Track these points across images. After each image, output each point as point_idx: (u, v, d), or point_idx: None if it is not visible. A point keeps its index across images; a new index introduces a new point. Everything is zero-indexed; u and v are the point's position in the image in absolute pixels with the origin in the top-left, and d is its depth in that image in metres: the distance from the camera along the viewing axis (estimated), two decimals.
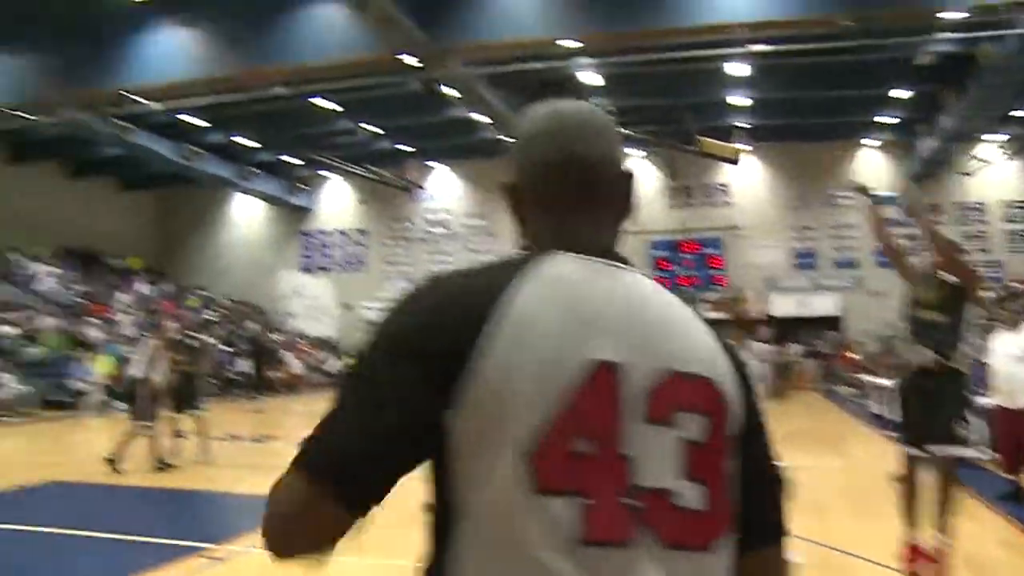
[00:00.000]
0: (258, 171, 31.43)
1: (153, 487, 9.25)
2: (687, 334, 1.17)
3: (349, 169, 30.37)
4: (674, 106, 21.59)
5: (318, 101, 22.87)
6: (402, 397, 1.08)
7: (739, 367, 1.21)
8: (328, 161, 29.77)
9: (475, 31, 17.38)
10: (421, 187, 33.32)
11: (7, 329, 22.29)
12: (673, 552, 1.08)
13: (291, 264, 35.82)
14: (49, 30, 18.28)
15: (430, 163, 33.00)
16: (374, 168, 30.14)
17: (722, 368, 1.18)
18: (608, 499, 1.06)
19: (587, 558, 1.04)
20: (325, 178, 34.83)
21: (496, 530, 1.06)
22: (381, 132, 27.83)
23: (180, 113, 23.10)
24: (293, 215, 35.37)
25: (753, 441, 1.21)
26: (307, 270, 35.64)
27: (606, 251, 1.21)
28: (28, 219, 28.98)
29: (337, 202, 35.49)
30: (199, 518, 8.04)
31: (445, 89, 20.30)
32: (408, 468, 1.11)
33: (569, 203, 1.24)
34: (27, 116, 21.01)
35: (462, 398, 1.06)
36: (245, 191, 33.36)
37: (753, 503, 1.19)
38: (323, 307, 34.88)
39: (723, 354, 1.19)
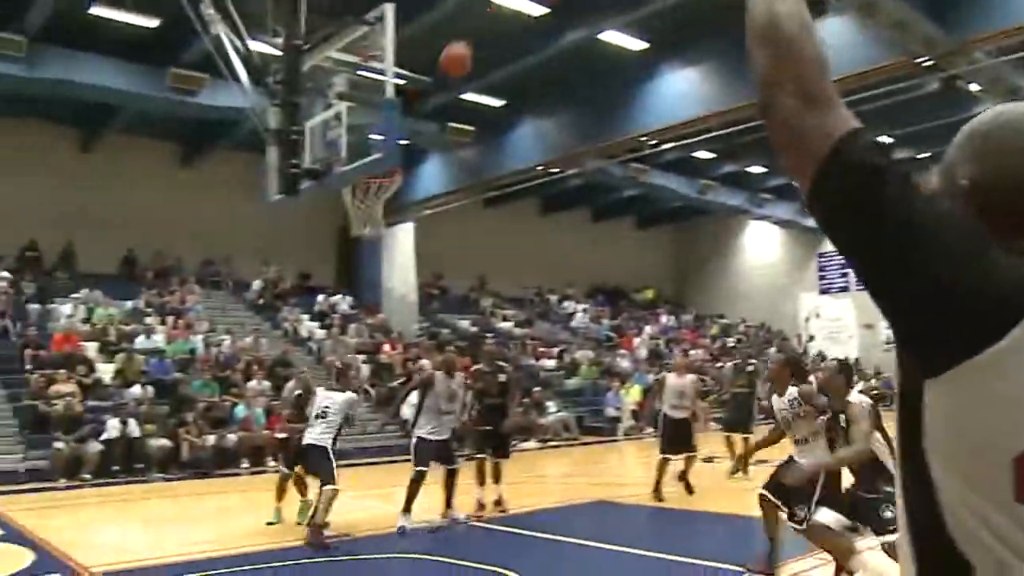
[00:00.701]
0: (770, 196, 31.69)
1: (690, 509, 9.94)
2: None
3: None
4: None
5: None
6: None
7: None
8: None
9: (993, 19, 15.90)
10: None
11: (548, 363, 25.31)
12: None
13: (809, 286, 35.53)
14: (571, 92, 20.50)
15: None
16: None
17: None
18: None
19: None
20: None
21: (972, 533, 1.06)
22: (890, 141, 26.49)
23: (692, 150, 24.26)
24: (808, 237, 34.95)
25: None
26: (826, 291, 35.05)
27: None
28: (560, 263, 32.53)
29: None
30: (737, 541, 8.35)
31: (967, 86, 18.79)
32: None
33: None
34: (556, 172, 23.66)
35: (958, 378, 1.06)
36: (758, 217, 33.85)
37: None
38: (844, 328, 34.11)
39: None
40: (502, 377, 10.19)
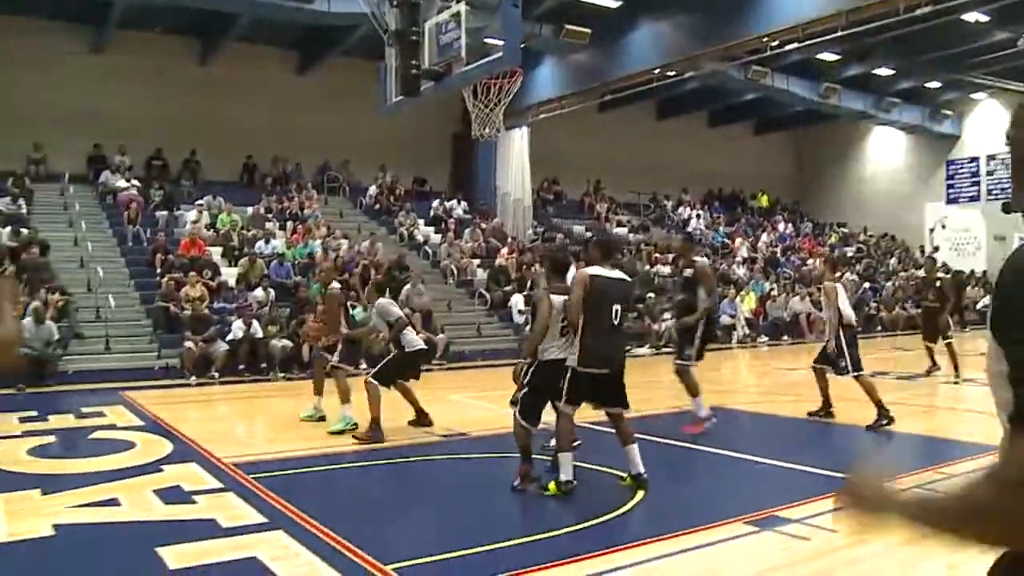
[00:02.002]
0: (897, 100, 30.08)
1: (802, 418, 9.74)
2: None
3: (1004, 87, 27.55)
4: None
5: (967, 16, 21.05)
6: None
7: None
8: (978, 81, 27.35)
9: None
10: None
11: (663, 269, 24.89)
12: None
13: (936, 195, 33.89)
14: None
15: None
16: None
17: None
18: None
19: None
20: (974, 101, 32.00)
21: None
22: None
23: (817, 51, 23.13)
24: (936, 143, 33.22)
25: None
26: (953, 201, 33.37)
27: None
28: (675, 168, 31.87)
29: (988, 125, 32.32)
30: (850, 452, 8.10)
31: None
32: None
33: None
34: (672, 75, 22.92)
35: None
36: (884, 123, 32.18)
37: None
38: (972, 240, 32.55)
39: None
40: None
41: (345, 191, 25.45)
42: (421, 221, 24.20)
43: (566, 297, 6.69)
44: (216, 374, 15.13)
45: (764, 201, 35.53)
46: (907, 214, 33.93)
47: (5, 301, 2.80)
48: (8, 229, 17.54)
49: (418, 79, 11.03)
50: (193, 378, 14.86)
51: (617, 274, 6.84)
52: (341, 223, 23.16)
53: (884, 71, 27.76)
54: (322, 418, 10.24)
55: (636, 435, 6.83)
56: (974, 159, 32.72)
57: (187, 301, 16.15)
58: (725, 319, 22.38)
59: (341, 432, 9.36)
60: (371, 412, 8.99)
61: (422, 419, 9.79)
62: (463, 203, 25.94)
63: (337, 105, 24.29)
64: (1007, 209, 1.59)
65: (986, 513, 1.28)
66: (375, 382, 9.16)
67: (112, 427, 10.08)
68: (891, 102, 29.93)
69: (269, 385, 14.85)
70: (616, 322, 6.66)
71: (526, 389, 6.82)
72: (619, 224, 28.42)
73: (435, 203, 25.33)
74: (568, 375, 6.60)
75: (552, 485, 6.60)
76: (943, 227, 33.50)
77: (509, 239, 24.20)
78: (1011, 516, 1.24)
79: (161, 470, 7.67)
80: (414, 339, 9.59)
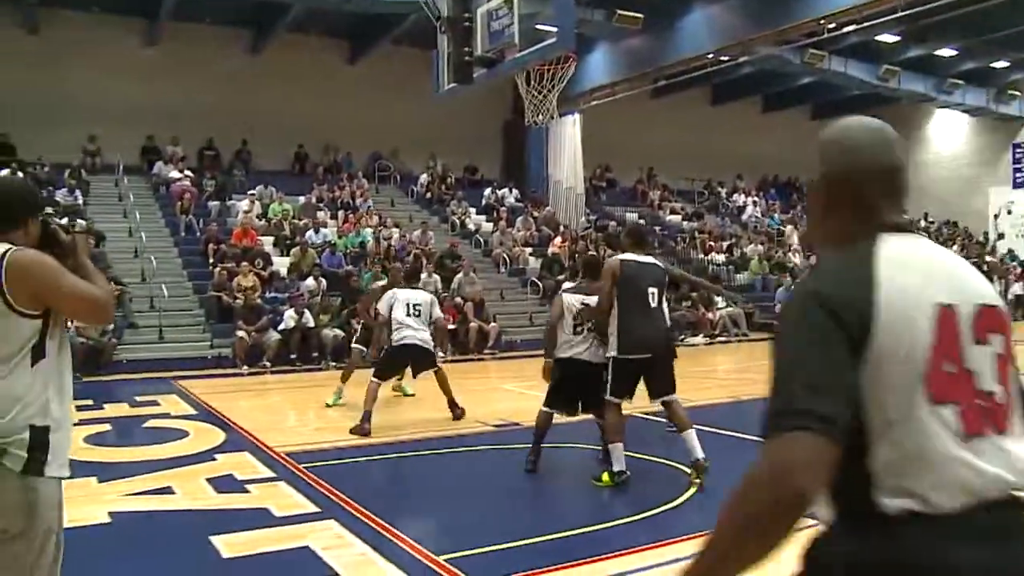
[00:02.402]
0: (960, 82, 29.29)
1: None
2: (976, 276, 1.66)
3: None
4: None
5: None
6: (840, 339, 1.50)
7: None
8: None
9: None
10: None
11: (718, 257, 24.64)
12: (998, 437, 1.54)
13: (1001, 180, 33.04)
14: None
15: None
16: None
17: (999, 298, 1.67)
18: (969, 403, 1.53)
19: (971, 446, 1.50)
20: None
21: (906, 436, 1.50)
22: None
23: (876, 33, 22.65)
24: (1002, 125, 32.34)
25: None
26: (1021, 185, 32.49)
27: (906, 229, 1.68)
28: (729, 154, 31.46)
29: None
30: None
31: None
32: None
33: (887, 197, 1.71)
34: (727, 60, 22.60)
35: (868, 340, 1.50)
36: (945, 105, 31.39)
37: None
38: None
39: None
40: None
41: (396, 180, 25.55)
42: (473, 210, 24.19)
43: (585, 297, 6.86)
44: (268, 363, 15.29)
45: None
46: (970, 199, 33.12)
47: (85, 257, 2.87)
48: (65, 220, 17.84)
49: (471, 66, 11.00)
50: (245, 367, 15.03)
51: (649, 259, 6.82)
52: (392, 212, 23.25)
53: (946, 51, 27.04)
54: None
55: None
56: None
57: (239, 291, 16.31)
58: (779, 307, 22.02)
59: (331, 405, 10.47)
60: (364, 405, 9.06)
61: (453, 410, 9.79)
62: (515, 191, 25.89)
63: (388, 94, 24.35)
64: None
65: (727, 533, 1.45)
66: (374, 378, 9.32)
67: (166, 416, 10.23)
68: (953, 83, 29.14)
69: (320, 374, 14.90)
70: (654, 304, 6.61)
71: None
72: (672, 211, 28.19)
73: (487, 191, 25.30)
74: (610, 365, 6.57)
75: (605, 476, 6.54)
76: (1008, 212, 32.64)
77: (561, 227, 24.10)
78: (742, 526, 1.43)
79: (214, 459, 7.75)
80: (400, 335, 9.46)
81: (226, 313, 16.23)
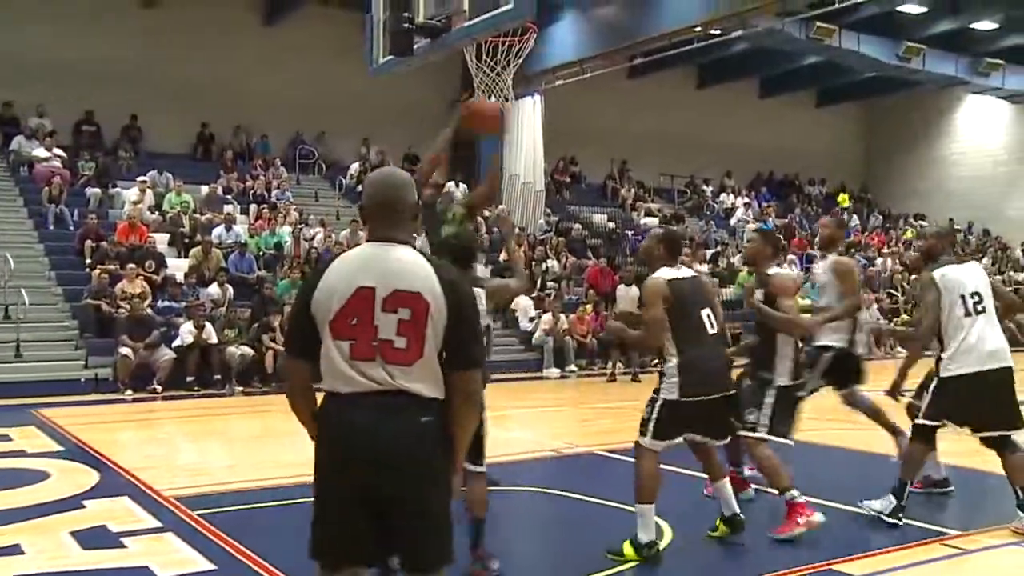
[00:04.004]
0: (999, 62, 29.49)
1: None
2: (409, 271, 3.24)
3: None
4: None
5: None
6: (302, 304, 3.35)
7: (449, 288, 3.24)
8: None
9: None
10: None
11: (700, 268, 24.63)
12: (391, 365, 3.20)
13: None
14: None
15: None
16: None
17: (432, 288, 3.21)
18: (364, 341, 3.20)
19: (355, 365, 3.20)
20: None
21: (326, 355, 3.25)
22: None
23: (898, 3, 22.89)
24: None
25: (454, 324, 3.22)
26: None
27: (389, 240, 3.33)
28: (718, 146, 31.79)
29: None
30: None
31: None
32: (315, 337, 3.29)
33: (379, 219, 3.38)
34: (718, 34, 22.72)
35: (311, 302, 3.29)
36: (980, 90, 31.72)
37: (451, 350, 3.26)
38: None
39: (438, 282, 3.23)
40: None
41: (321, 169, 25.38)
42: None
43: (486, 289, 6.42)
44: (159, 387, 15.06)
45: (844, 200, 35.13)
46: (1007, 204, 33.65)
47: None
48: None
49: (411, 35, 10.89)
50: (129, 392, 14.75)
51: (690, 272, 6.63)
52: (316, 207, 23.10)
53: (985, 24, 27.34)
54: None
55: (666, 467, 6.62)
56: None
57: (124, 298, 16.02)
58: None
59: None
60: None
61: None
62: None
63: (312, 65, 24.27)
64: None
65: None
66: None
67: (20, 454, 9.93)
68: (992, 64, 29.32)
69: (224, 401, 14.73)
70: (715, 331, 6.36)
71: None
72: (648, 213, 28.27)
73: None
74: (661, 405, 6.25)
75: (628, 548, 6.14)
76: None
77: (517, 229, 24.07)
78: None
79: (82, 506, 7.52)
80: None
81: (106, 326, 15.92)
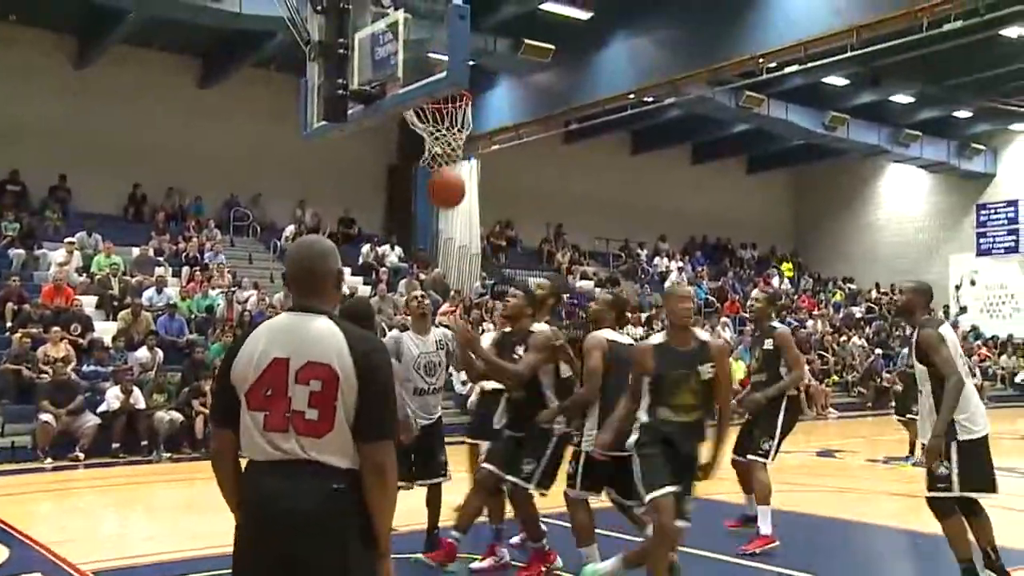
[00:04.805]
0: (918, 133, 30.42)
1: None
2: (322, 341, 3.22)
3: None
4: None
5: (1008, 32, 21.34)
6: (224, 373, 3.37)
7: (361, 359, 3.20)
8: (1019, 109, 27.88)
9: None
10: None
11: (635, 331, 24.58)
12: (302, 436, 3.17)
13: (964, 245, 34.41)
14: (673, 1, 19.84)
15: None
16: None
17: (342, 359, 3.18)
18: (277, 412, 3.19)
19: (267, 436, 3.20)
20: (1012, 133, 32.71)
21: (244, 424, 3.25)
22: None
23: (823, 75, 23.40)
24: (965, 184, 33.77)
25: (366, 393, 3.18)
26: (986, 252, 33.92)
27: (308, 310, 3.32)
28: (652, 211, 32.11)
29: None
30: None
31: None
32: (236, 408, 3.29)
33: (299, 288, 3.42)
34: (651, 101, 22.96)
35: (230, 374, 3.31)
36: (901, 159, 32.62)
37: (359, 422, 3.18)
38: (1009, 298, 32.97)
39: (349, 353, 3.19)
40: None
41: (256, 231, 25.10)
42: (348, 270, 23.85)
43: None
44: (81, 455, 14.57)
45: (788, 270, 35.46)
46: (928, 268, 34.24)
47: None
48: None
49: (345, 100, 10.78)
50: (49, 461, 14.23)
51: (628, 340, 7.01)
52: (250, 270, 22.79)
53: (903, 98, 28.15)
54: None
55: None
56: (1011, 202, 33.39)
57: (46, 363, 15.58)
58: None
59: None
60: None
61: None
62: (398, 249, 25.73)
63: (248, 126, 24.12)
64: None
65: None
66: None
67: None
68: (910, 135, 30.26)
69: (151, 468, 14.34)
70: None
71: None
72: (583, 276, 28.33)
73: (365, 248, 25.06)
74: (582, 459, 6.77)
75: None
76: (972, 283, 33.92)
77: (452, 292, 23.95)
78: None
79: None
80: None
81: (26, 391, 15.45)
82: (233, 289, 20.36)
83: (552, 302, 7.77)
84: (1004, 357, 30.54)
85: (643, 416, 6.08)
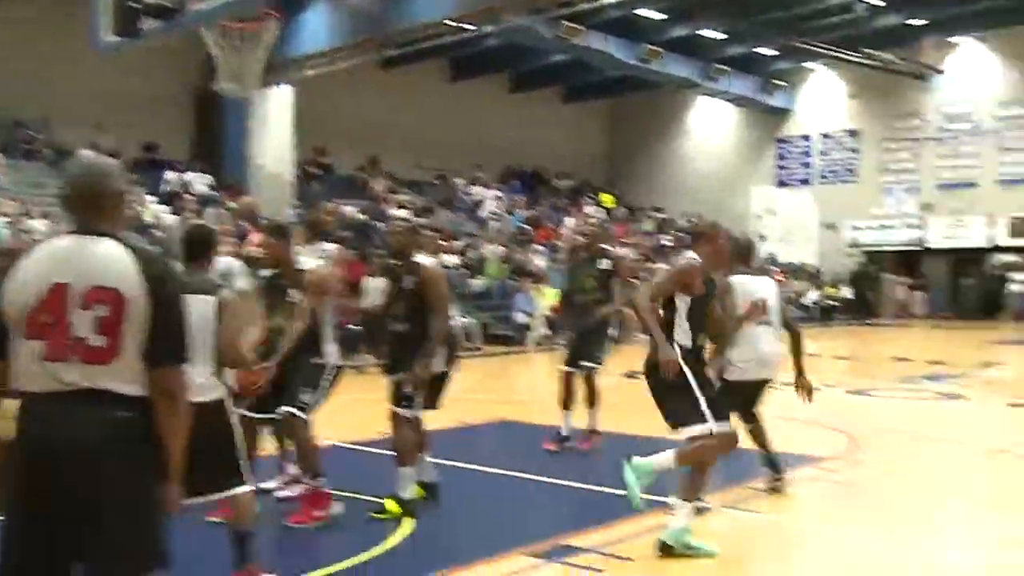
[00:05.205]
0: (727, 68, 31.10)
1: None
2: (108, 266, 3.05)
3: (841, 56, 29.13)
4: None
5: None
6: None
7: (152, 281, 3.07)
8: (815, 48, 28.72)
9: None
10: (938, 71, 30.95)
11: (450, 259, 24.38)
12: (87, 364, 3.01)
13: (764, 177, 35.56)
14: None
15: (952, 39, 30.38)
16: (874, 52, 28.54)
17: (131, 282, 3.04)
18: (58, 341, 3.01)
19: (45, 367, 3.02)
20: (808, 71, 33.80)
21: (18, 355, 3.08)
22: (883, 4, 26.17)
23: (637, 6, 23.45)
24: (767, 118, 34.77)
25: (157, 317, 3.06)
26: (783, 183, 35.19)
27: (91, 232, 3.13)
28: (469, 140, 31.80)
29: (823, 99, 34.25)
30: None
31: None
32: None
33: (81, 210, 3.20)
34: (470, 28, 22.54)
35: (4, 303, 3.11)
36: (710, 93, 33.32)
37: (150, 347, 3.07)
38: (802, 227, 34.26)
39: (139, 275, 3.05)
40: None
41: (45, 155, 23.54)
42: (151, 198, 22.75)
43: None
44: None
45: (609, 201, 35.50)
46: (733, 198, 35.12)
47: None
48: None
49: (137, 14, 10.00)
50: None
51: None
52: (39, 197, 21.35)
53: (713, 33, 28.58)
54: None
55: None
56: (806, 137, 34.66)
57: None
58: (520, 317, 22.33)
59: None
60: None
61: None
62: (207, 177, 24.68)
63: (34, 40, 22.53)
64: None
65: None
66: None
67: None
68: (720, 69, 30.89)
69: None
70: None
71: None
72: (399, 205, 27.85)
73: (170, 175, 23.95)
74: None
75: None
76: (773, 213, 34.99)
77: (263, 221, 23.16)
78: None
79: None
80: None
81: None
82: (20, 219, 19.05)
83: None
84: (796, 282, 31.74)
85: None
